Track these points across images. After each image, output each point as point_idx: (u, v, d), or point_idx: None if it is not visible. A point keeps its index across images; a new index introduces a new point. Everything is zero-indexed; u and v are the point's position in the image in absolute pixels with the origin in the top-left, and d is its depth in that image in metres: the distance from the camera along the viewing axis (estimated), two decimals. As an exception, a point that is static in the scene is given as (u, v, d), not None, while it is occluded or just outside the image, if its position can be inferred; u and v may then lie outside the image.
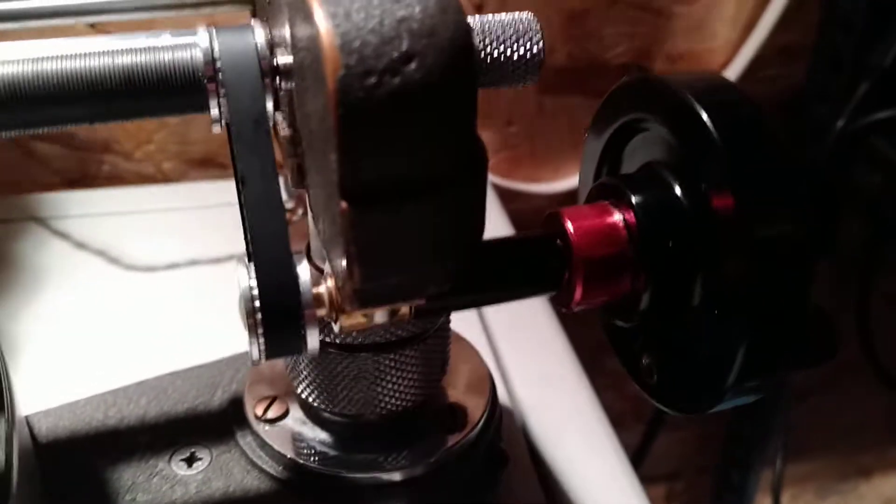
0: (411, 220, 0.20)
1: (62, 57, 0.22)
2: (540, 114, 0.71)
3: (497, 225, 0.62)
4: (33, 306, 0.50)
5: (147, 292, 0.52)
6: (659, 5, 0.68)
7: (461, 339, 0.39)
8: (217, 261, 0.54)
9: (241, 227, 0.24)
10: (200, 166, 0.66)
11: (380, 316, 0.24)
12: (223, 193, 0.61)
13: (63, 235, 0.56)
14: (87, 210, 0.59)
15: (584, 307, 0.26)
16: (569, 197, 0.73)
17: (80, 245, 0.55)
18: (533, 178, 0.74)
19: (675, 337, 0.26)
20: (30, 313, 0.49)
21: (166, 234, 0.57)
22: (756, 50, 0.69)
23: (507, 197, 0.71)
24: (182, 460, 0.34)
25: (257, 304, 0.23)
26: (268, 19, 0.28)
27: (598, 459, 0.43)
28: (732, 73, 0.71)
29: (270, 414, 0.35)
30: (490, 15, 0.26)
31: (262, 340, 0.23)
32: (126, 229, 0.57)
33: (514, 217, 0.64)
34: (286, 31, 0.23)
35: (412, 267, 0.21)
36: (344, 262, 0.20)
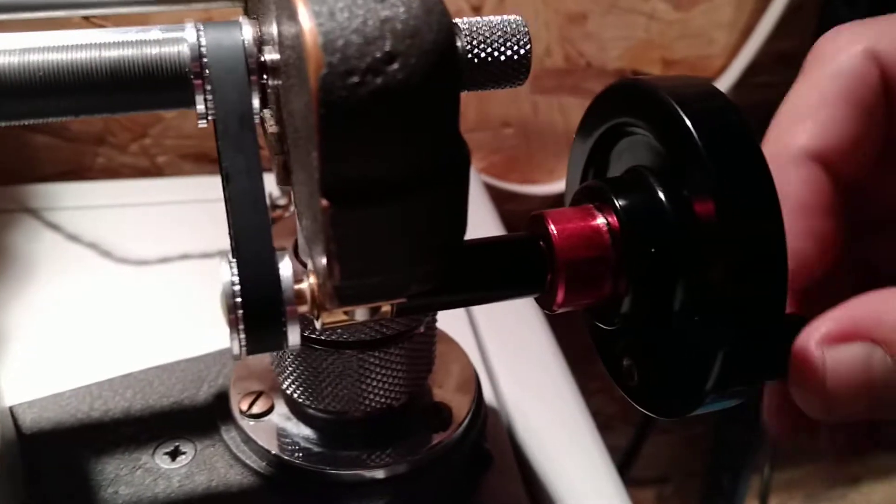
0: (393, 220, 0.20)
1: (49, 48, 0.23)
2: (535, 116, 0.71)
3: (490, 226, 0.62)
4: (22, 297, 0.50)
5: (138, 286, 0.52)
6: (656, 11, 0.68)
7: (448, 339, 0.39)
8: (208, 255, 0.54)
9: (227, 223, 0.24)
10: (194, 161, 0.66)
11: (361, 314, 0.24)
12: (216, 189, 0.61)
13: (55, 227, 0.56)
14: (79, 202, 0.59)
15: (567, 309, 0.26)
16: (563, 198, 0.73)
17: (72, 237, 0.56)
18: (527, 180, 0.74)
19: (656, 340, 0.27)
20: (19, 304, 0.50)
21: (159, 228, 0.57)
22: (752, 56, 0.70)
23: (501, 198, 0.71)
24: (166, 454, 0.34)
25: (238, 299, 0.23)
26: (258, 16, 0.28)
27: (581, 461, 0.43)
28: (729, 78, 0.71)
29: (255, 409, 0.35)
30: (478, 17, 0.26)
31: (242, 336, 0.23)
32: (118, 222, 0.57)
33: (508, 218, 0.64)
34: (274, 29, 0.23)
35: (393, 266, 0.21)
36: (325, 260, 0.21)
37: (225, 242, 0.55)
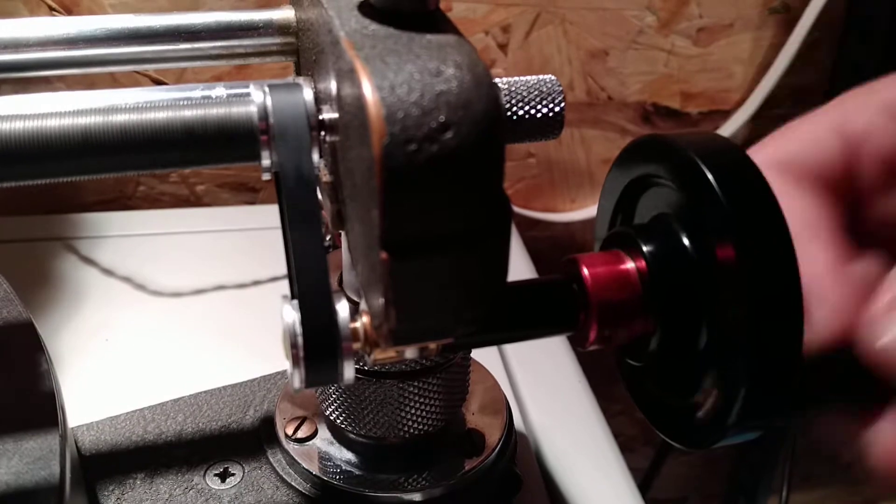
0: (444, 269, 0.22)
1: (130, 109, 0.25)
2: (558, 147, 0.74)
3: (514, 251, 0.63)
4: (71, 324, 0.52)
5: (173, 317, 0.54)
6: (676, 46, 0.70)
7: (480, 367, 0.41)
8: (243, 286, 0.56)
9: (286, 266, 0.26)
10: (232, 190, 0.68)
11: (411, 352, 0.26)
12: (252, 218, 0.63)
13: (91, 261, 0.58)
14: (117, 232, 0.61)
15: (598, 347, 0.28)
16: (583, 225, 0.75)
17: (108, 271, 0.57)
18: (549, 208, 0.76)
19: (681, 375, 0.29)
20: (67, 331, 0.52)
21: (194, 259, 0.59)
22: (769, 90, 0.72)
23: (524, 224, 0.73)
24: (216, 475, 0.36)
25: (300, 338, 0.25)
26: (311, 74, 0.30)
27: (606, 484, 0.45)
28: (746, 111, 0.73)
29: (300, 434, 0.37)
30: (516, 77, 0.28)
31: (303, 371, 0.25)
32: (153, 254, 0.59)
33: (531, 243, 0.66)
34: (331, 88, 0.25)
35: (444, 310, 0.23)
36: (381, 303, 0.23)
37: (257, 272, 0.57)
